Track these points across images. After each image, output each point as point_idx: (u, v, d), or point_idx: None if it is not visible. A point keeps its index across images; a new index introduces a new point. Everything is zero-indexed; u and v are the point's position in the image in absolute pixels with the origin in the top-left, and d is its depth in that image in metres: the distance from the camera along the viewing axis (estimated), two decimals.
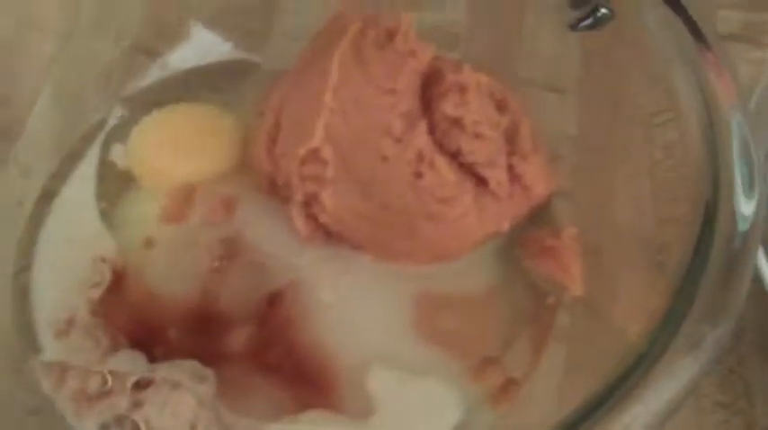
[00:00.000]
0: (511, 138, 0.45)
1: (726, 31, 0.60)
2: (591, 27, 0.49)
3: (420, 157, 0.43)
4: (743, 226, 0.37)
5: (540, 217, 0.47)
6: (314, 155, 0.43)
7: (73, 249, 0.45)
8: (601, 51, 0.50)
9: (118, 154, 0.50)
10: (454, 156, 0.44)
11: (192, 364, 0.41)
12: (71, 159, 0.50)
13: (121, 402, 0.39)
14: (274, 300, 0.44)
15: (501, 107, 0.46)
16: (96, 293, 0.44)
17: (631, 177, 0.46)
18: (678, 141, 0.43)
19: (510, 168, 0.45)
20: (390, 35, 0.46)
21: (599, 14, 0.48)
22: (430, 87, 0.45)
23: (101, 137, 0.51)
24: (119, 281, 0.44)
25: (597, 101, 0.51)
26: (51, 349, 0.42)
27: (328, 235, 0.45)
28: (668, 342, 0.35)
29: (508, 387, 0.41)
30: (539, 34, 0.54)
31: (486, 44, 0.57)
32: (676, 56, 0.43)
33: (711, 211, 0.38)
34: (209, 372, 0.41)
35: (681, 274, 0.37)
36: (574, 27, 0.49)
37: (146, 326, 0.43)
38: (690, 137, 0.41)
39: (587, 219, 0.47)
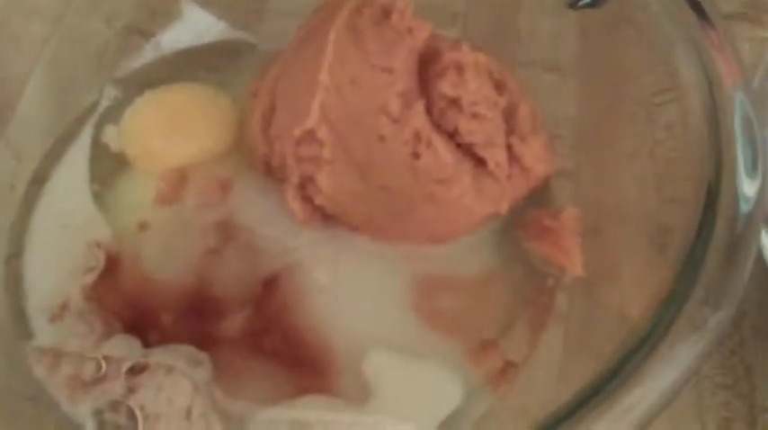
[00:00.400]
0: (509, 118, 0.45)
1: (728, 9, 0.59)
2: (590, 5, 0.48)
3: (417, 137, 0.42)
4: (745, 207, 0.37)
5: (539, 198, 0.46)
6: (309, 135, 0.42)
7: (66, 234, 0.45)
8: (600, 30, 0.49)
9: (111, 136, 0.49)
10: (452, 136, 0.43)
11: (187, 349, 0.40)
12: (63, 141, 0.49)
13: (116, 387, 0.39)
14: (270, 283, 0.43)
15: (499, 87, 0.45)
16: (90, 278, 0.43)
17: (632, 157, 0.46)
18: (680, 121, 0.42)
19: (509, 149, 0.44)
20: (386, 13, 0.45)
21: None
22: (427, 66, 0.44)
23: (93, 118, 0.50)
24: (113, 265, 0.44)
25: (597, 81, 0.50)
26: (45, 335, 0.42)
27: (324, 217, 0.45)
28: (670, 324, 0.35)
29: (507, 369, 0.41)
30: (538, 13, 0.53)
31: (484, 23, 0.56)
32: (678, 35, 0.42)
33: (714, 192, 0.38)
34: (204, 357, 0.40)
35: (683, 256, 0.37)
36: (573, 5, 0.49)
37: (140, 311, 0.42)
38: (692, 116, 0.41)
39: (587, 200, 0.46)
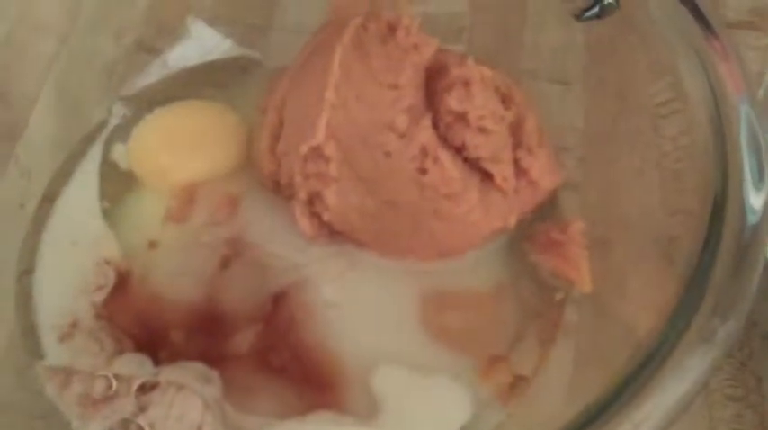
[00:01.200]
0: (516, 131, 0.45)
1: (733, 18, 0.59)
2: (596, 17, 0.48)
3: (424, 153, 0.42)
4: (752, 218, 0.37)
5: (547, 211, 0.46)
6: (316, 152, 0.43)
7: (76, 252, 0.45)
8: (606, 42, 0.49)
9: (120, 154, 0.49)
10: (459, 150, 0.43)
11: (197, 366, 0.41)
12: (73, 160, 0.50)
13: (127, 406, 0.39)
14: (279, 299, 0.43)
15: (506, 101, 0.45)
16: (100, 296, 0.43)
17: (639, 169, 0.46)
18: (685, 132, 0.42)
19: (516, 163, 0.44)
20: (392, 29, 0.45)
21: (604, 4, 0.47)
22: (433, 81, 0.45)
23: (103, 136, 0.51)
24: (123, 283, 0.44)
25: (603, 92, 0.50)
26: (55, 353, 0.42)
27: (332, 233, 0.45)
28: (679, 337, 0.35)
29: (517, 384, 0.41)
30: (543, 25, 0.54)
31: (490, 36, 0.57)
32: (682, 45, 0.42)
33: (720, 203, 0.38)
34: (214, 374, 0.41)
35: (690, 268, 0.37)
36: (579, 17, 0.49)
37: (150, 329, 0.42)
38: (697, 128, 0.41)
39: (595, 212, 0.46)
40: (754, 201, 0.37)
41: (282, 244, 0.45)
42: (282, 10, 0.56)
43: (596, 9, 0.48)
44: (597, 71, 0.51)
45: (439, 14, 0.56)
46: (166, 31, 0.54)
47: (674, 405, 0.33)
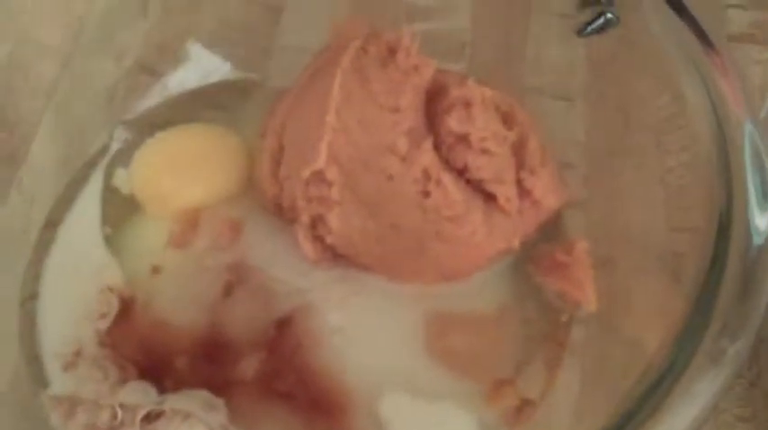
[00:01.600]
0: (519, 152, 0.45)
1: (736, 30, 0.59)
2: (597, 32, 0.48)
3: (426, 176, 0.42)
4: (758, 238, 0.37)
5: (551, 230, 0.46)
6: (318, 176, 0.42)
7: (79, 279, 0.45)
8: (608, 58, 0.49)
9: (122, 179, 0.49)
10: (461, 172, 0.43)
11: (202, 394, 0.40)
12: (75, 185, 0.50)
13: None
14: (283, 324, 0.43)
15: (508, 121, 0.45)
16: (104, 324, 0.43)
17: (643, 185, 0.46)
18: (688, 148, 0.42)
19: (519, 183, 0.44)
20: (392, 51, 0.45)
21: (605, 19, 0.47)
22: (434, 103, 0.45)
23: (104, 161, 0.51)
24: (126, 310, 0.44)
25: (606, 107, 0.50)
26: (60, 382, 0.42)
27: (336, 256, 0.45)
28: (689, 358, 0.34)
29: (524, 408, 0.41)
30: (545, 41, 0.53)
31: (492, 53, 0.56)
32: (683, 61, 0.42)
33: (726, 222, 0.38)
34: (219, 401, 0.40)
35: (698, 287, 0.37)
36: (580, 32, 0.48)
37: (155, 356, 0.42)
38: (700, 143, 0.41)
39: (599, 230, 0.46)
40: (759, 221, 0.37)
41: (286, 268, 0.45)
42: (283, 32, 0.56)
43: (598, 24, 0.48)
44: (599, 87, 0.51)
45: (441, 31, 0.56)
46: (167, 54, 0.54)
47: (685, 429, 0.33)
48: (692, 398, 0.34)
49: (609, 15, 0.47)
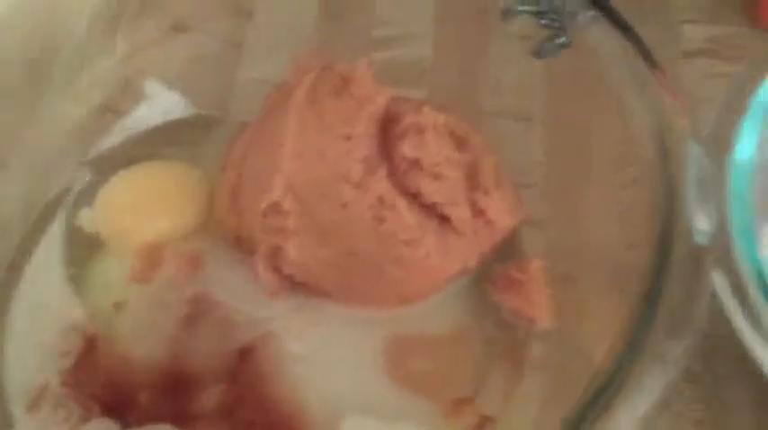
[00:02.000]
0: (472, 174, 0.45)
1: (691, 46, 0.60)
2: (554, 54, 0.49)
3: (381, 202, 0.43)
4: (700, 239, 0.37)
5: (508, 250, 0.47)
6: (275, 207, 0.43)
7: (42, 319, 0.45)
8: (565, 78, 0.50)
9: (85, 218, 0.50)
10: (415, 196, 0.44)
11: (164, 428, 0.41)
12: (39, 226, 0.50)
13: None
14: (245, 355, 0.43)
15: (461, 145, 0.46)
16: (67, 363, 0.43)
17: (599, 203, 0.46)
18: (636, 164, 0.43)
19: (472, 205, 0.44)
20: (346, 81, 0.46)
21: (557, 42, 0.48)
22: (388, 130, 0.45)
23: (68, 201, 0.51)
24: (89, 348, 0.44)
25: (563, 128, 0.51)
26: (24, 423, 0.42)
27: (295, 285, 0.45)
28: (635, 359, 0.35)
29: (483, 425, 0.41)
30: (504, 64, 0.54)
31: (452, 78, 0.57)
32: (629, 80, 0.43)
33: (668, 230, 0.38)
34: None
35: (642, 294, 0.37)
36: (538, 55, 0.49)
37: (118, 392, 0.42)
38: (645, 160, 0.41)
39: (558, 248, 0.46)
40: (701, 223, 0.38)
41: (247, 299, 0.45)
42: (244, 66, 0.57)
43: (554, 45, 0.48)
44: (557, 107, 0.51)
45: (403, 58, 0.57)
46: (129, 93, 0.55)
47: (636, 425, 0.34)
48: (641, 395, 0.34)
49: (562, 39, 0.48)
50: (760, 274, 0.41)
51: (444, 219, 0.44)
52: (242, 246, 0.46)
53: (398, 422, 0.41)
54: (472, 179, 0.45)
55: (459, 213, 0.44)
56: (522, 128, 0.53)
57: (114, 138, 0.53)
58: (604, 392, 0.35)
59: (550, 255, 0.46)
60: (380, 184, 0.43)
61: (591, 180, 0.48)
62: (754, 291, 0.41)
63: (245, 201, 0.45)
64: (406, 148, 0.44)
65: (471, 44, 0.57)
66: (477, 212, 0.44)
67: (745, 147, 0.45)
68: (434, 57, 0.57)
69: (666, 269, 0.36)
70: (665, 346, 0.35)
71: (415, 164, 0.44)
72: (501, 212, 0.45)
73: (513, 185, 0.48)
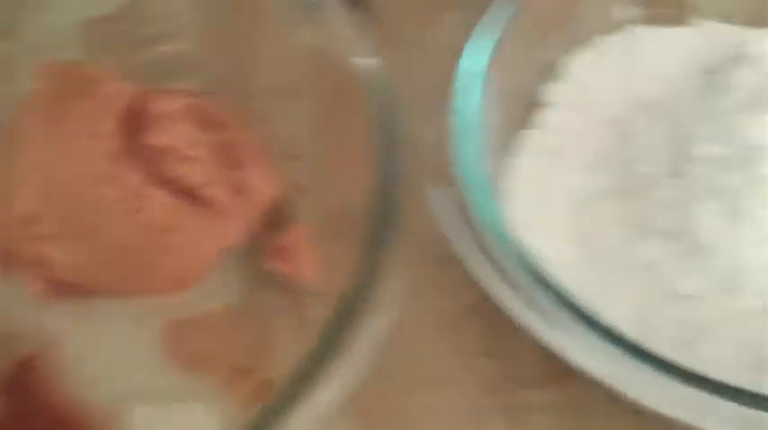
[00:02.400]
0: (225, 152, 0.46)
1: None
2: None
3: (135, 194, 0.44)
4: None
5: (276, 219, 0.48)
6: (30, 216, 0.43)
7: None
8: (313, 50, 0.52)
9: None
10: (170, 183, 0.45)
11: None
12: None
13: None
14: (25, 365, 0.43)
15: (211, 126, 0.47)
16: None
17: (354, 166, 0.48)
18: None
19: (229, 182, 0.46)
20: (90, 81, 0.46)
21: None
22: (135, 122, 0.46)
23: None
24: None
25: (320, 99, 0.53)
26: None
27: (69, 288, 0.45)
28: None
29: (261, 388, 0.42)
30: (270, 45, 0.55)
31: (222, 65, 0.58)
32: None
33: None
34: None
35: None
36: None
37: None
38: None
39: (320, 212, 0.48)
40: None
41: (22, 310, 0.45)
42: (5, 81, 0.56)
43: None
44: (314, 82, 0.53)
45: (171, 52, 0.57)
46: None
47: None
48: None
49: None
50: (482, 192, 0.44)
51: (201, 201, 0.45)
52: (8, 259, 0.46)
53: (181, 402, 0.42)
54: (226, 157, 0.46)
55: (215, 193, 0.45)
56: (289, 104, 0.54)
57: None
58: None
59: (318, 219, 0.47)
60: (132, 177, 0.44)
61: (347, 146, 0.50)
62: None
63: (1, 215, 0.45)
64: (152, 137, 0.44)
65: (239, 29, 0.57)
66: (235, 188, 0.46)
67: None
68: (201, 46, 0.58)
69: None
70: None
71: (164, 151, 0.44)
72: (259, 185, 0.46)
73: (282, 157, 0.49)
